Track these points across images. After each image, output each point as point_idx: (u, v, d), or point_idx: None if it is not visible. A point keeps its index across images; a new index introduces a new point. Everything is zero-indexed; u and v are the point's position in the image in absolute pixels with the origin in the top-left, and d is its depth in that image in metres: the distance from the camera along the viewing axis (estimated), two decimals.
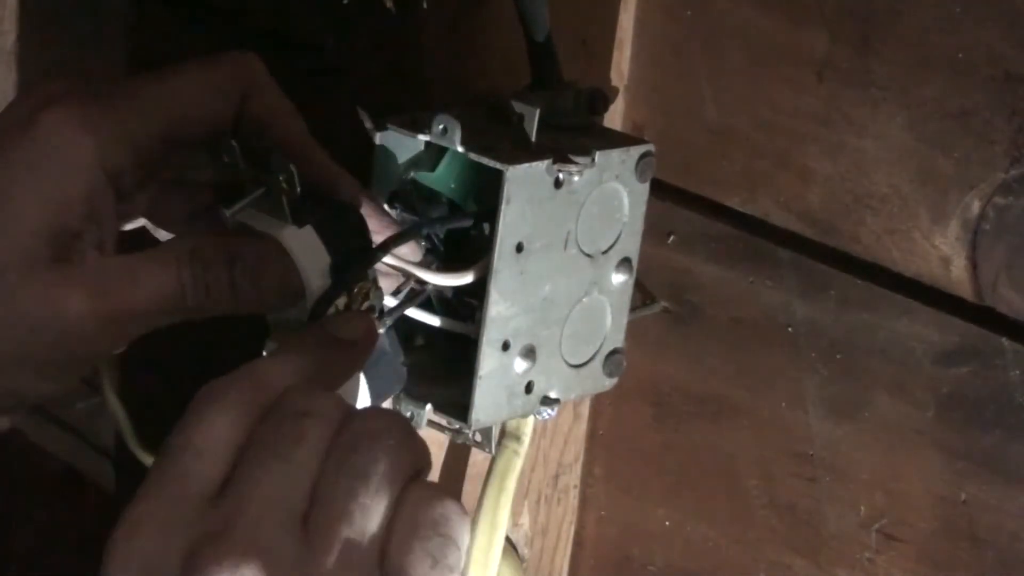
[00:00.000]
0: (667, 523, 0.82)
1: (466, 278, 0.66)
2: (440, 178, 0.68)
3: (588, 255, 0.69)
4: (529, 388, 0.68)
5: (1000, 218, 0.67)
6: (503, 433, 0.75)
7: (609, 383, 0.73)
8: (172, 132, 0.61)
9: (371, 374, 0.63)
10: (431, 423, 0.69)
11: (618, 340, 0.72)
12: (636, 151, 0.69)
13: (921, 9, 0.68)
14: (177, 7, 0.92)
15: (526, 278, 0.66)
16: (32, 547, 1.20)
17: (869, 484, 0.74)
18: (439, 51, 0.76)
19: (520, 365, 0.67)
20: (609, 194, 0.69)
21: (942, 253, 0.69)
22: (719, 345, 0.78)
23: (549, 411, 0.70)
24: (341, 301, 0.61)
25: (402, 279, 0.66)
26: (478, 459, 0.81)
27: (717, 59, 0.75)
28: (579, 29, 0.75)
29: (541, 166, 0.65)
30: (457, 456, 0.81)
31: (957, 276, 0.69)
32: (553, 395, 0.69)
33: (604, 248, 0.70)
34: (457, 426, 0.68)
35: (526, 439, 0.75)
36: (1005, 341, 0.68)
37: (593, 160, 0.67)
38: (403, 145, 0.68)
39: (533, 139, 0.66)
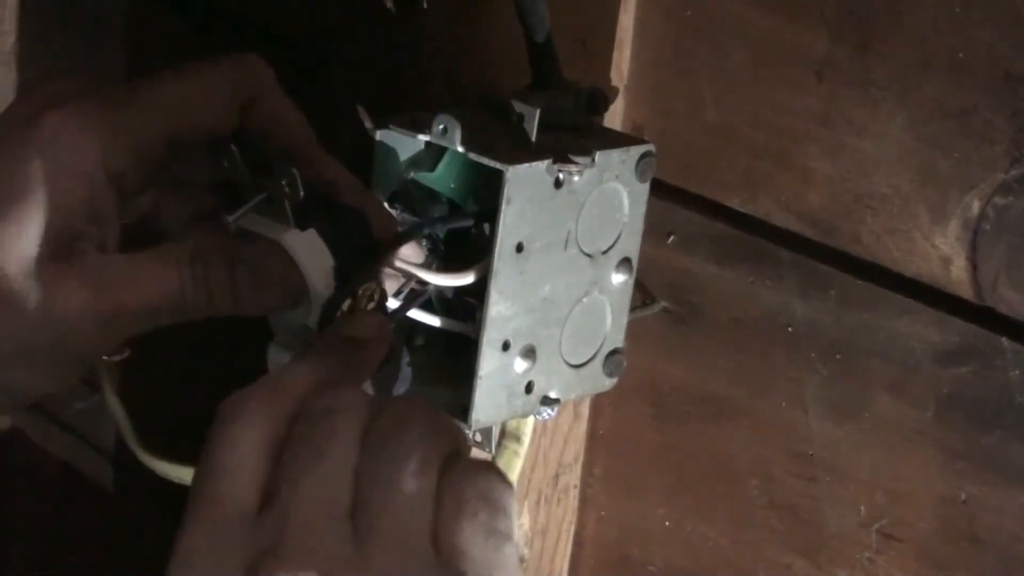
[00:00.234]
0: (667, 523, 0.82)
1: (467, 278, 0.66)
2: (440, 178, 0.68)
3: (588, 255, 0.69)
4: (529, 388, 0.68)
5: (1000, 218, 0.67)
6: (503, 433, 0.75)
7: (609, 383, 0.73)
8: (176, 135, 0.61)
9: (377, 375, 0.63)
10: None
11: (618, 340, 0.72)
12: (636, 151, 0.69)
13: (921, 9, 0.68)
14: (177, 7, 0.92)
15: (526, 278, 0.66)
16: (32, 547, 1.20)
17: (869, 484, 0.74)
18: (439, 51, 0.76)
19: (520, 365, 0.67)
20: (609, 194, 0.69)
21: (942, 253, 0.69)
22: (719, 345, 0.78)
23: (549, 411, 0.70)
24: (346, 303, 0.61)
25: (402, 280, 0.66)
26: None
27: (717, 59, 0.75)
28: (579, 29, 0.75)
29: (541, 166, 0.65)
30: None
31: (957, 276, 0.69)
32: (553, 395, 0.69)
33: (604, 248, 0.70)
34: None
35: (526, 439, 0.75)
36: (1005, 341, 0.68)
37: (593, 160, 0.67)
38: (403, 145, 0.68)
39: (533, 139, 0.66)
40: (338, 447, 0.50)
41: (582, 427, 0.84)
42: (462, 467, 0.51)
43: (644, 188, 0.70)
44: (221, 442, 0.51)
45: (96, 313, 0.58)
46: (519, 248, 0.65)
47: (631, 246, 0.71)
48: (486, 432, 0.70)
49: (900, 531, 0.73)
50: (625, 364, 0.73)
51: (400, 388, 0.67)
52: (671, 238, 0.78)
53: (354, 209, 0.63)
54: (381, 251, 0.64)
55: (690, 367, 0.80)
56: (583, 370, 0.71)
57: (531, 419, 0.74)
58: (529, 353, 0.68)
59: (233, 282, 0.60)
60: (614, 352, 0.72)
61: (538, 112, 0.66)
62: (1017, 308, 0.68)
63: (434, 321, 0.68)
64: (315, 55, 0.82)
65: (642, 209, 0.70)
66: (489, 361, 0.66)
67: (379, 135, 0.68)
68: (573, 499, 0.86)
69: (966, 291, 0.69)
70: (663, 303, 0.79)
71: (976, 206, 0.68)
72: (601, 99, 0.71)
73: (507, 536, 0.50)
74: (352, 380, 0.57)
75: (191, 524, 0.50)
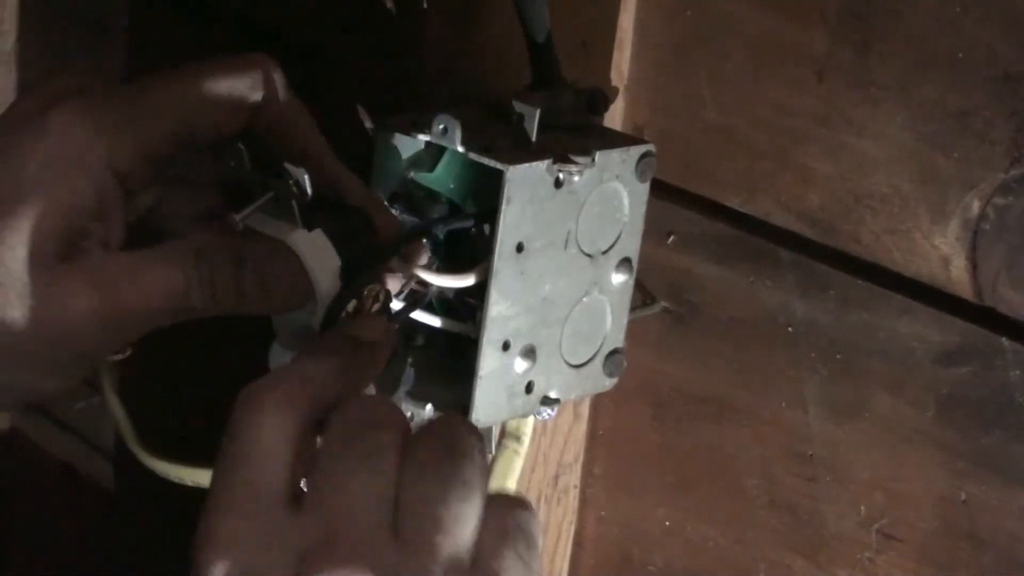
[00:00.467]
0: (667, 523, 0.82)
1: (469, 279, 0.66)
2: (439, 178, 0.68)
3: (588, 255, 0.69)
4: (529, 388, 0.68)
5: (1000, 218, 0.67)
6: (503, 433, 0.75)
7: (609, 383, 0.73)
8: (183, 134, 0.61)
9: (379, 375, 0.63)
10: None
11: (618, 340, 0.72)
12: (636, 151, 0.69)
13: (921, 9, 0.68)
14: (177, 7, 0.92)
15: (526, 278, 0.66)
16: (32, 547, 1.20)
17: (869, 484, 0.74)
18: (439, 51, 0.76)
19: (520, 365, 0.67)
20: (609, 194, 0.69)
21: (942, 253, 0.69)
22: (719, 345, 0.78)
23: (549, 411, 0.70)
24: (351, 304, 0.61)
25: (403, 281, 0.66)
26: None
27: (717, 59, 0.75)
28: (579, 29, 0.75)
29: (541, 166, 0.65)
30: None
31: (957, 276, 0.69)
32: (553, 395, 0.69)
33: (604, 248, 0.70)
34: None
35: (526, 439, 0.75)
36: (1005, 341, 0.68)
37: (593, 160, 0.67)
38: (403, 145, 0.68)
39: (533, 139, 0.66)
40: (385, 460, 0.51)
41: (582, 427, 0.84)
42: (504, 496, 0.53)
43: (644, 188, 0.70)
44: (250, 428, 0.51)
45: (101, 314, 0.58)
46: (519, 248, 0.65)
47: (631, 246, 0.71)
48: (486, 432, 0.70)
49: (900, 531, 0.73)
50: (625, 364, 0.73)
51: (401, 388, 0.67)
52: (671, 238, 0.78)
53: (360, 210, 0.63)
54: (386, 253, 0.64)
55: (690, 367, 0.80)
56: (583, 370, 0.71)
57: (531, 419, 0.74)
58: (529, 353, 0.68)
59: (239, 282, 0.60)
60: (614, 352, 0.72)
61: (538, 112, 0.66)
62: (1017, 308, 0.68)
63: (435, 321, 0.68)
64: (315, 55, 0.82)
65: (642, 209, 0.70)
66: (489, 361, 0.66)
67: (379, 135, 0.68)
68: (573, 499, 0.86)
69: (966, 291, 0.69)
70: (663, 303, 0.79)
71: (976, 206, 0.68)
72: (601, 99, 0.71)
73: (539, 567, 0.52)
74: (360, 381, 0.58)
75: (228, 507, 0.50)
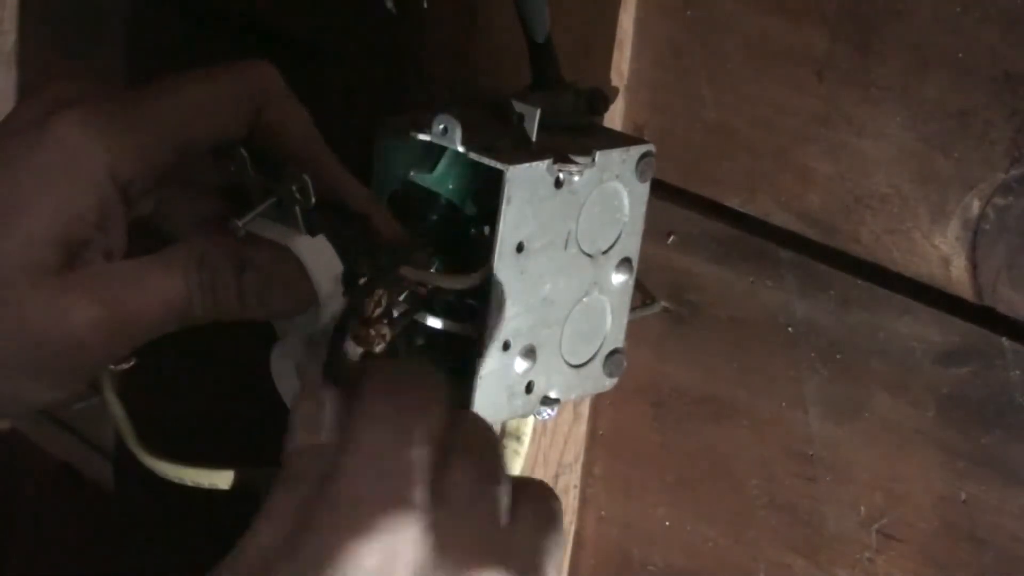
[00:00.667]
0: (667, 523, 0.82)
1: (471, 281, 0.65)
2: (439, 178, 0.68)
3: (588, 255, 0.69)
4: (529, 388, 0.68)
5: (1000, 218, 0.67)
6: (503, 433, 0.75)
7: (609, 383, 0.73)
8: (185, 141, 0.60)
9: None
10: None
11: (618, 340, 0.72)
12: (636, 151, 0.69)
13: (921, 9, 0.68)
14: (177, 7, 0.92)
15: (526, 278, 0.66)
16: (32, 547, 1.20)
17: (869, 484, 0.74)
18: (439, 51, 0.76)
19: (520, 365, 0.67)
20: (609, 194, 0.69)
21: (942, 253, 0.69)
22: (719, 345, 0.78)
23: (549, 411, 0.70)
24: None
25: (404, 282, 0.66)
26: None
27: (717, 59, 0.75)
28: (579, 29, 0.75)
29: (541, 166, 0.65)
30: None
31: (957, 276, 0.69)
32: (553, 395, 0.69)
33: (604, 248, 0.70)
34: None
35: (526, 439, 0.75)
36: (1005, 341, 0.68)
37: (593, 160, 0.67)
38: (403, 145, 0.68)
39: (533, 139, 0.66)
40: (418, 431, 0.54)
41: (582, 427, 0.84)
42: (535, 487, 0.56)
43: (644, 188, 0.70)
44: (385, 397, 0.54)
45: (103, 324, 0.57)
46: (519, 248, 0.65)
47: (631, 246, 0.71)
48: None
49: (900, 531, 0.73)
50: (625, 364, 0.73)
51: None
52: (671, 238, 0.78)
53: (362, 215, 0.63)
54: (390, 257, 0.64)
55: (690, 367, 0.80)
56: (583, 370, 0.71)
57: (531, 419, 0.74)
58: (529, 353, 0.67)
59: (241, 288, 0.60)
60: (614, 352, 0.72)
61: (538, 112, 0.66)
62: (1017, 308, 0.68)
63: (435, 322, 0.68)
64: (315, 55, 0.82)
65: (642, 209, 0.70)
66: (489, 361, 0.66)
67: (379, 135, 0.68)
68: (573, 499, 0.86)
69: (966, 291, 0.69)
70: (663, 303, 0.79)
71: (976, 206, 0.68)
72: (601, 99, 0.71)
73: (560, 568, 0.56)
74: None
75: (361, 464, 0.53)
